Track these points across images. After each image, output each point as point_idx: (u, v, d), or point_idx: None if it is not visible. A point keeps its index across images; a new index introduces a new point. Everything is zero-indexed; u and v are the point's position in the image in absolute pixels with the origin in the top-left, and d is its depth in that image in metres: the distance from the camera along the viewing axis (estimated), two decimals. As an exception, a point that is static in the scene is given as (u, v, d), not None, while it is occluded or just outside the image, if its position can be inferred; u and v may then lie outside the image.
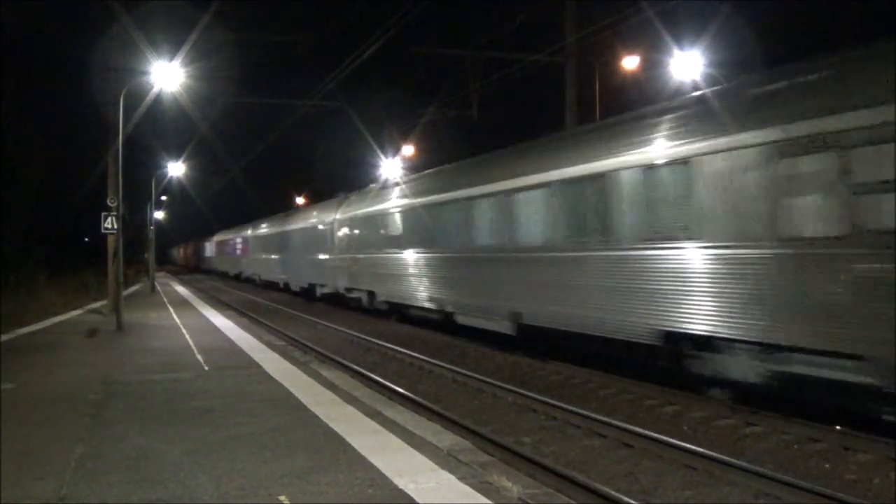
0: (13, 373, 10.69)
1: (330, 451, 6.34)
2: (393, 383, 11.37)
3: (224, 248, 58.72)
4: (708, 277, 9.12)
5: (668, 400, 9.88)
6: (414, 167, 27.39)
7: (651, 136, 10.29)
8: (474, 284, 14.88)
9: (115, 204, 18.09)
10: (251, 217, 51.55)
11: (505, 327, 13.64)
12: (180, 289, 40.46)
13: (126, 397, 8.93)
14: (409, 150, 31.23)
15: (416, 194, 18.60)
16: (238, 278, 50.47)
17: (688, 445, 7.59)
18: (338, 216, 25.40)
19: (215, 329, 17.42)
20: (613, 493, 6.28)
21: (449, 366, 12.89)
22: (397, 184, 21.10)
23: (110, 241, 20.56)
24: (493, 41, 21.97)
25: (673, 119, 10.10)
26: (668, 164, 9.83)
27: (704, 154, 9.18)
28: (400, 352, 14.90)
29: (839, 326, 7.52)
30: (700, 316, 9.24)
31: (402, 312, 19.61)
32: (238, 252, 50.58)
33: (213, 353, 12.88)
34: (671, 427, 8.71)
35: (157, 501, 5.14)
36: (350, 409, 8.13)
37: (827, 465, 7.25)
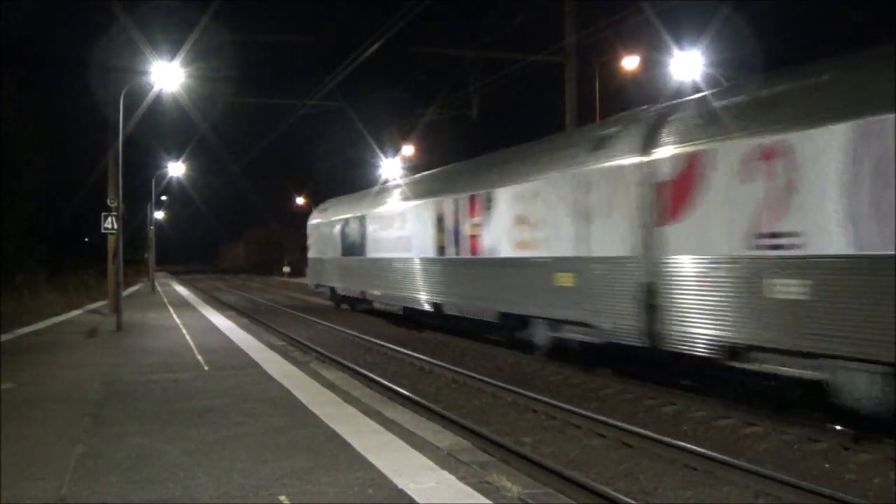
0: (13, 373, 10.68)
1: (330, 451, 6.33)
2: (393, 383, 11.37)
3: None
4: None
5: (667, 400, 9.88)
6: (414, 167, 27.54)
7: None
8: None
9: (115, 204, 18.09)
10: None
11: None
12: (180, 289, 40.47)
13: (126, 397, 8.93)
14: (409, 150, 31.29)
15: None
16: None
17: (688, 445, 7.59)
18: None
19: (215, 329, 17.42)
20: (613, 493, 6.28)
21: (449, 366, 12.89)
22: None
23: (110, 241, 20.56)
24: (493, 41, 21.99)
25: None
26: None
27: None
28: (400, 352, 14.90)
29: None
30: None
31: None
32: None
33: (212, 353, 12.88)
34: (671, 427, 8.71)
35: (157, 501, 5.14)
36: (350, 409, 8.13)
37: (827, 465, 7.24)
